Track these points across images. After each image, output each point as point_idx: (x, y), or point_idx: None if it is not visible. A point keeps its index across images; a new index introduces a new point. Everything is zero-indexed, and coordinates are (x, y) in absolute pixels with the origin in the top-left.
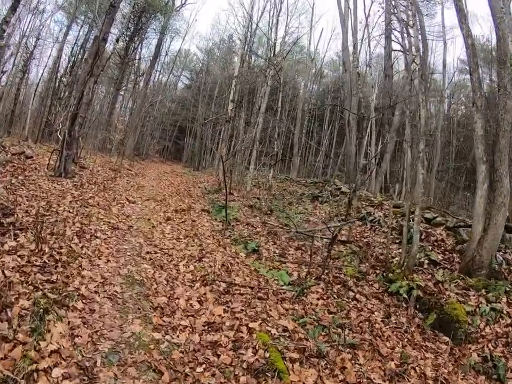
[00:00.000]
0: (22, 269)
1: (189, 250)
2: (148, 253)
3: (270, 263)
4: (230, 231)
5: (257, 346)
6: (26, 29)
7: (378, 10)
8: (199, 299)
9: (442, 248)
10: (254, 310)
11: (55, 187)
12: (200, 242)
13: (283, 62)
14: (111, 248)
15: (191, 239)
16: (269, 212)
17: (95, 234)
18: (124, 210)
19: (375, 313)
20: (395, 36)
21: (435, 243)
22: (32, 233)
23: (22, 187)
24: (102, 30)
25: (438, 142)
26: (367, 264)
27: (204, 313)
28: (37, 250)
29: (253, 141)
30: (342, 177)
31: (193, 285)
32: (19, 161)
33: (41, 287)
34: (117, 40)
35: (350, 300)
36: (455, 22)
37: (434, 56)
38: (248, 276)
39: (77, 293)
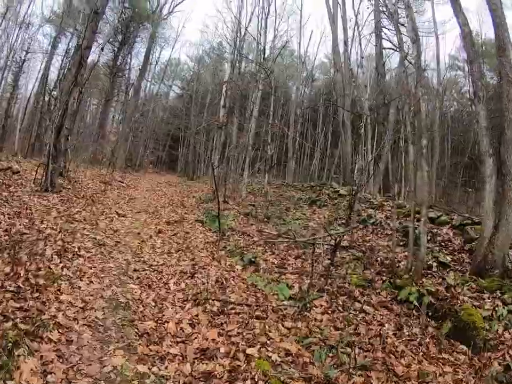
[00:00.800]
0: None
1: (181, 265)
2: (135, 270)
3: (268, 275)
4: (225, 242)
5: (256, 377)
6: (14, 43)
7: (368, 8)
8: (190, 321)
9: (450, 248)
10: (252, 332)
11: (40, 203)
12: (193, 256)
13: (273, 65)
14: (94, 267)
15: (183, 252)
16: (265, 219)
17: (78, 253)
18: (112, 224)
19: (386, 325)
20: (385, 33)
21: (442, 243)
22: (8, 254)
23: (5, 204)
24: (84, 37)
25: (437, 138)
26: (372, 270)
27: (196, 338)
28: (12, 274)
29: (246, 146)
30: (338, 179)
31: (184, 305)
32: (5, 177)
33: (12, 316)
34: (102, 49)
35: (357, 312)
36: (445, 17)
37: (425, 52)
38: (244, 292)
39: (53, 321)
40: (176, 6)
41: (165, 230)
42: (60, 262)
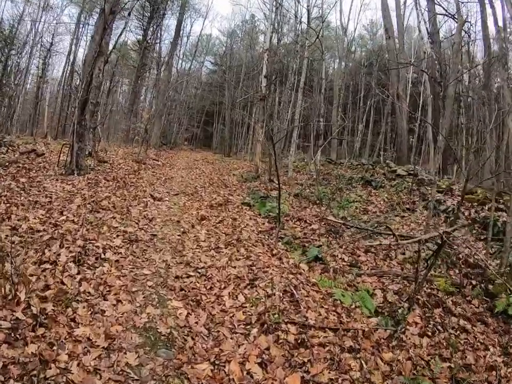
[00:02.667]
0: None
1: (234, 267)
2: (177, 278)
3: (341, 277)
4: (280, 231)
5: None
6: (39, 26)
7: None
8: (260, 359)
9: None
10: (347, 375)
11: (63, 188)
12: (247, 252)
13: (321, 28)
14: (124, 276)
15: (234, 247)
16: (317, 201)
17: (103, 255)
18: (146, 211)
19: (491, 348)
20: None
21: None
22: (12, 264)
23: (21, 192)
24: (107, 0)
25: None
26: (456, 271)
27: None
28: (10, 297)
29: (292, 120)
30: (386, 156)
31: (247, 332)
32: (27, 160)
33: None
34: (129, 14)
35: (457, 331)
36: None
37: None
38: (322, 306)
39: (63, 379)
40: None
41: (209, 216)
42: (78, 273)
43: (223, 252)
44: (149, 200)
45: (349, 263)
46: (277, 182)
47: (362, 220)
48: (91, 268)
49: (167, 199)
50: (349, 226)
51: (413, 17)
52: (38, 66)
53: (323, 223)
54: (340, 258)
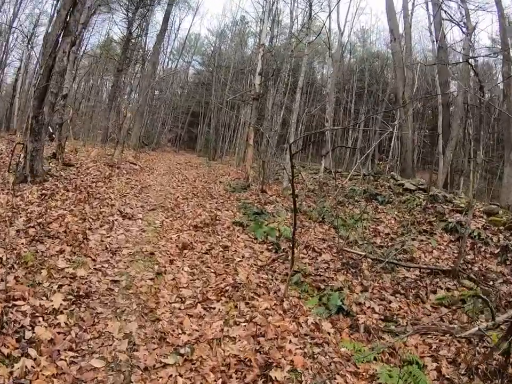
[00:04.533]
0: None
1: (233, 339)
2: (146, 370)
3: (377, 341)
4: (282, 261)
5: None
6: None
7: None
8: None
9: None
10: None
11: (7, 202)
12: (249, 308)
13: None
14: (58, 376)
15: (230, 301)
16: (320, 219)
17: (29, 332)
18: (111, 237)
19: None
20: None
21: None
22: None
23: None
24: None
25: None
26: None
27: None
28: None
29: (290, 123)
30: (380, 168)
31: None
32: None
33: None
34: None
35: None
36: None
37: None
38: None
39: None
40: None
41: (193, 242)
42: None
43: (214, 309)
44: (116, 220)
45: (382, 315)
46: (270, 194)
47: (376, 244)
48: (5, 364)
49: (140, 216)
50: (371, 259)
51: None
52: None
53: (334, 250)
54: (369, 307)
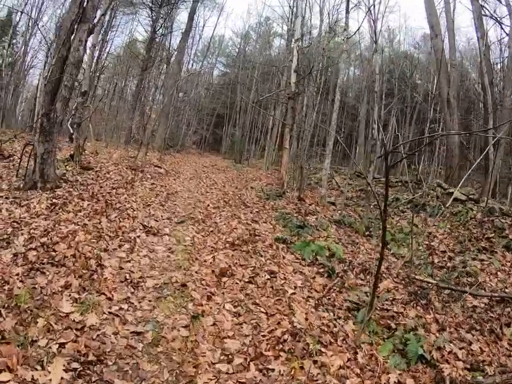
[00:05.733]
0: None
1: None
2: None
3: None
4: (338, 289)
5: None
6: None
7: None
8: None
9: None
10: None
11: (9, 215)
12: (319, 367)
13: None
14: None
15: (291, 355)
16: (367, 233)
17: None
18: (131, 262)
19: None
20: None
21: None
22: None
23: None
24: None
25: None
26: None
27: None
28: None
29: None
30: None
31: None
32: None
33: None
34: None
35: None
36: None
37: None
38: None
39: None
40: None
41: (232, 265)
42: None
43: (273, 372)
44: (138, 236)
45: (466, 363)
46: (308, 202)
47: (435, 264)
48: None
49: (167, 231)
50: (441, 287)
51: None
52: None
53: (395, 275)
54: (450, 351)
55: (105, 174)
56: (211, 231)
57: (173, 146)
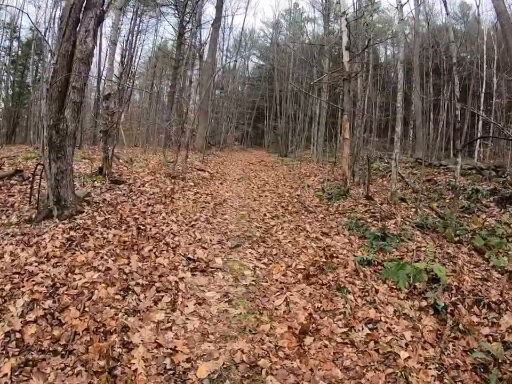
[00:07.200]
0: None
1: None
2: None
3: None
4: (454, 335)
5: None
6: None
7: None
8: None
9: None
10: None
11: (12, 260)
12: None
13: None
14: None
15: None
16: (454, 236)
17: None
18: (171, 329)
19: None
20: None
21: None
22: None
23: None
24: None
25: None
26: None
27: None
28: None
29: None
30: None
31: None
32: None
33: None
34: None
35: None
36: None
37: None
38: None
39: None
40: None
41: (312, 312)
42: None
43: None
44: (182, 279)
45: None
46: (379, 202)
47: None
48: None
49: (219, 263)
50: None
51: None
52: None
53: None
54: None
55: (139, 187)
56: (275, 255)
57: (214, 145)
